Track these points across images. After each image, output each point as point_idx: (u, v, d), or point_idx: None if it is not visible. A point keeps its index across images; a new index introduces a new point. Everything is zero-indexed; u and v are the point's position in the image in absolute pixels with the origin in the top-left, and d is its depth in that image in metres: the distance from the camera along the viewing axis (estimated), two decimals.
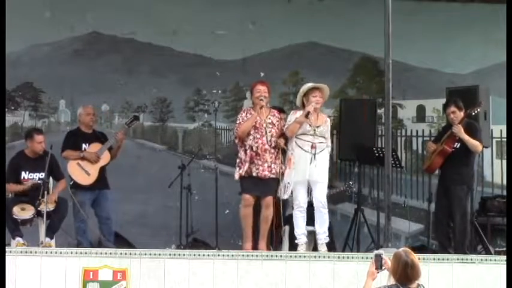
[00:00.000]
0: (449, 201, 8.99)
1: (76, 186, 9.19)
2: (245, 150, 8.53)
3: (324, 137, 8.57)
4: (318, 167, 8.45)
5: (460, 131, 8.90)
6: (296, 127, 8.50)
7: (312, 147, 8.47)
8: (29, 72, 11.26)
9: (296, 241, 8.56)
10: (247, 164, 8.45)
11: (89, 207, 9.24)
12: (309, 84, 8.69)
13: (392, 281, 5.74)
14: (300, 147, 8.50)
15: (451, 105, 9.09)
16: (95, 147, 9.30)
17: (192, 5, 11.42)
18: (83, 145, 9.32)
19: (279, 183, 8.49)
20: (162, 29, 11.37)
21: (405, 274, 5.69)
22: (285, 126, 8.62)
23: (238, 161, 8.59)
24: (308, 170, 8.44)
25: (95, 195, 9.30)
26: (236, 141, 8.69)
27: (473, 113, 9.05)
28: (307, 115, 8.45)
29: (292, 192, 8.55)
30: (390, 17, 8.69)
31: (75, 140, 9.36)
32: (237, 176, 8.55)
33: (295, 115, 8.59)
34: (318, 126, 8.55)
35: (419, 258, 5.80)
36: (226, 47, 11.47)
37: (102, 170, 9.30)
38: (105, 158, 9.31)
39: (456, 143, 8.97)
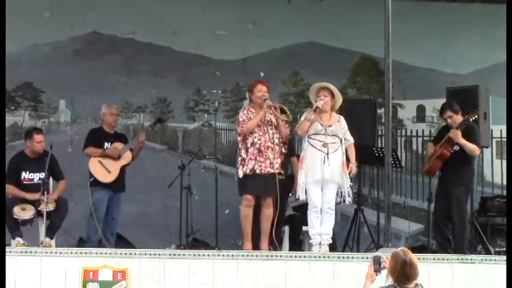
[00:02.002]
0: (448, 201, 8.99)
1: (95, 184, 9.20)
2: (246, 149, 8.53)
3: (337, 137, 8.53)
4: (331, 167, 8.40)
5: (456, 135, 8.87)
6: (306, 125, 8.47)
7: (324, 146, 8.45)
8: (29, 72, 11.26)
9: (311, 241, 8.51)
10: (252, 162, 8.46)
11: (105, 206, 9.23)
12: (316, 85, 8.71)
13: (390, 281, 5.67)
14: (313, 146, 8.47)
15: (446, 110, 9.06)
16: (117, 145, 9.32)
17: (192, 5, 11.42)
18: (105, 144, 9.35)
19: (278, 182, 8.49)
20: (162, 29, 11.37)
21: (404, 273, 5.64)
22: (296, 126, 8.62)
23: (240, 159, 8.57)
24: (320, 169, 8.40)
25: (111, 195, 9.31)
26: (239, 139, 8.67)
27: (472, 119, 9.00)
28: (315, 110, 8.46)
29: (306, 193, 8.51)
30: (390, 17, 8.69)
31: (97, 138, 9.38)
32: (241, 174, 8.51)
33: (306, 114, 8.61)
34: (329, 126, 8.52)
35: (418, 258, 5.78)
36: (226, 47, 11.47)
37: (123, 170, 9.32)
38: (127, 157, 9.34)
39: (455, 146, 8.95)
